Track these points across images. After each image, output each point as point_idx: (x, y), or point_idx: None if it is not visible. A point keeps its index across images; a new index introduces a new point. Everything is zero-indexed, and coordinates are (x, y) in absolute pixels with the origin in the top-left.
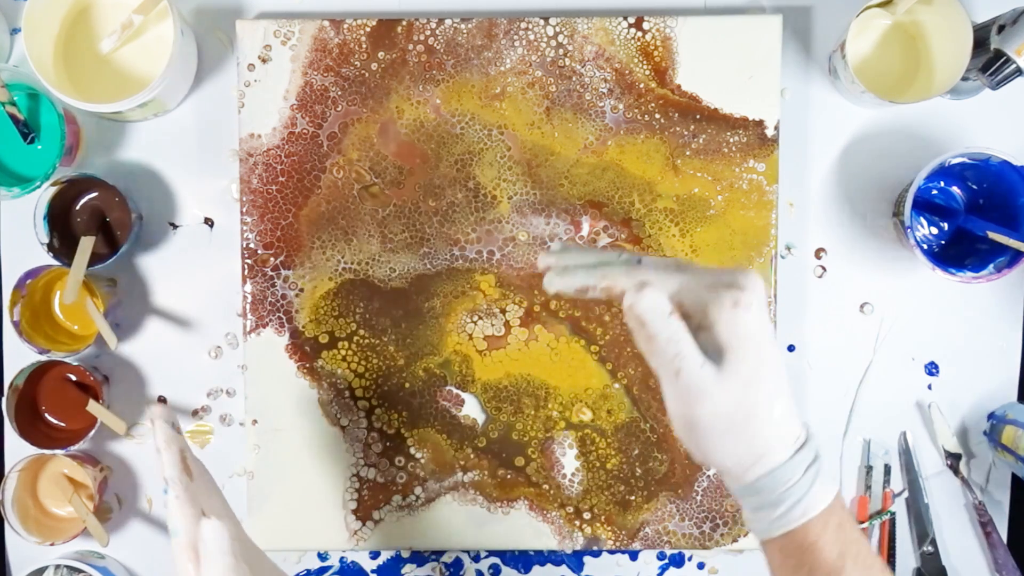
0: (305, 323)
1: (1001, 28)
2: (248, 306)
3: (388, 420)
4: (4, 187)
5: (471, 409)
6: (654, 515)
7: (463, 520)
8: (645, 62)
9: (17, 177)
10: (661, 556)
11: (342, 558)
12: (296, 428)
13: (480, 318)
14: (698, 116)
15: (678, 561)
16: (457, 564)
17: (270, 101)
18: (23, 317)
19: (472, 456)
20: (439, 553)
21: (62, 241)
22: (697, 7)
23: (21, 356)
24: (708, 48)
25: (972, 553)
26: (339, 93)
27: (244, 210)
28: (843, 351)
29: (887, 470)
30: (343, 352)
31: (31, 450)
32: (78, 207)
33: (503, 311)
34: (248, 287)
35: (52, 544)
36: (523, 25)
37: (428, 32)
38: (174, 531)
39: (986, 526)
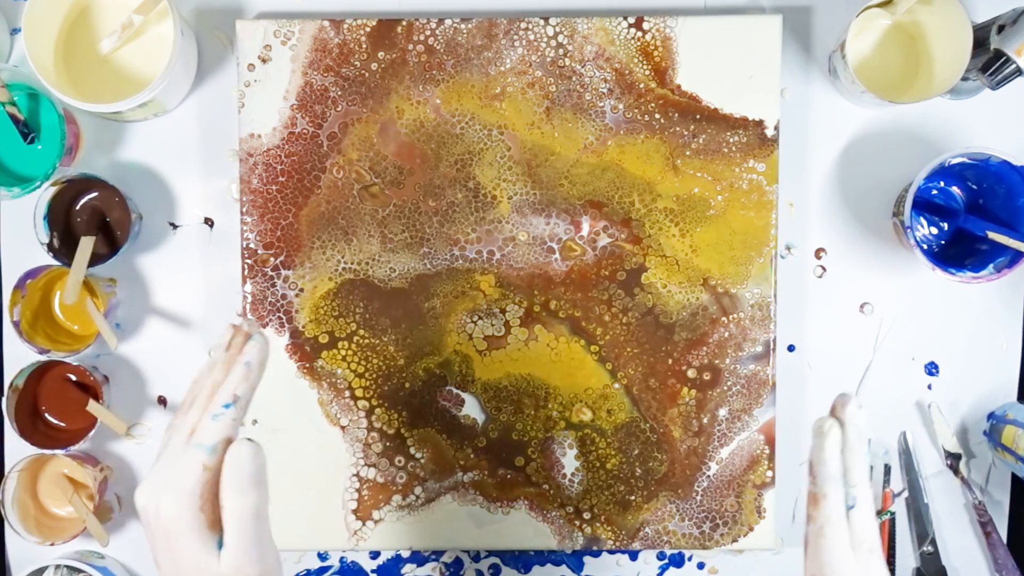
0: (305, 323)
1: (1001, 28)
2: (248, 306)
3: (388, 420)
4: (4, 187)
5: (471, 409)
6: (654, 515)
7: (463, 520)
8: (645, 62)
9: (17, 177)
10: (661, 556)
11: (342, 558)
12: (296, 428)
13: (480, 318)
14: (698, 116)
15: (678, 561)
16: (457, 564)
17: (270, 101)
18: (23, 317)
19: (472, 456)
20: (439, 553)
21: (62, 241)
22: (697, 7)
23: (21, 356)
24: (708, 48)
25: (972, 553)
26: (339, 93)
27: (244, 210)
28: (843, 351)
29: (887, 470)
30: (343, 352)
31: (31, 450)
32: (78, 207)
33: (503, 311)
34: (248, 287)
35: (52, 544)
36: (523, 25)
37: (428, 32)
38: (213, 448)
39: (986, 526)
